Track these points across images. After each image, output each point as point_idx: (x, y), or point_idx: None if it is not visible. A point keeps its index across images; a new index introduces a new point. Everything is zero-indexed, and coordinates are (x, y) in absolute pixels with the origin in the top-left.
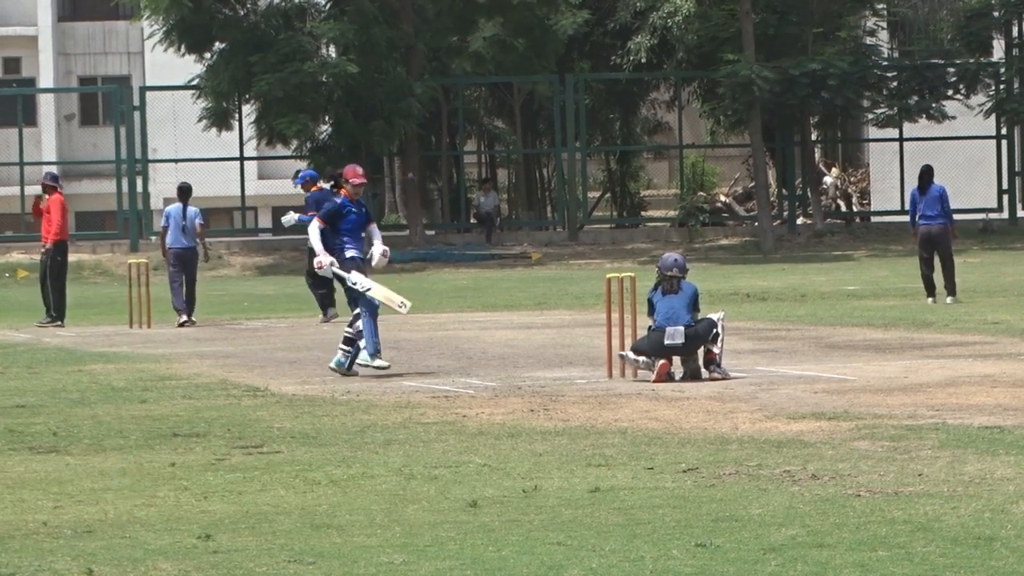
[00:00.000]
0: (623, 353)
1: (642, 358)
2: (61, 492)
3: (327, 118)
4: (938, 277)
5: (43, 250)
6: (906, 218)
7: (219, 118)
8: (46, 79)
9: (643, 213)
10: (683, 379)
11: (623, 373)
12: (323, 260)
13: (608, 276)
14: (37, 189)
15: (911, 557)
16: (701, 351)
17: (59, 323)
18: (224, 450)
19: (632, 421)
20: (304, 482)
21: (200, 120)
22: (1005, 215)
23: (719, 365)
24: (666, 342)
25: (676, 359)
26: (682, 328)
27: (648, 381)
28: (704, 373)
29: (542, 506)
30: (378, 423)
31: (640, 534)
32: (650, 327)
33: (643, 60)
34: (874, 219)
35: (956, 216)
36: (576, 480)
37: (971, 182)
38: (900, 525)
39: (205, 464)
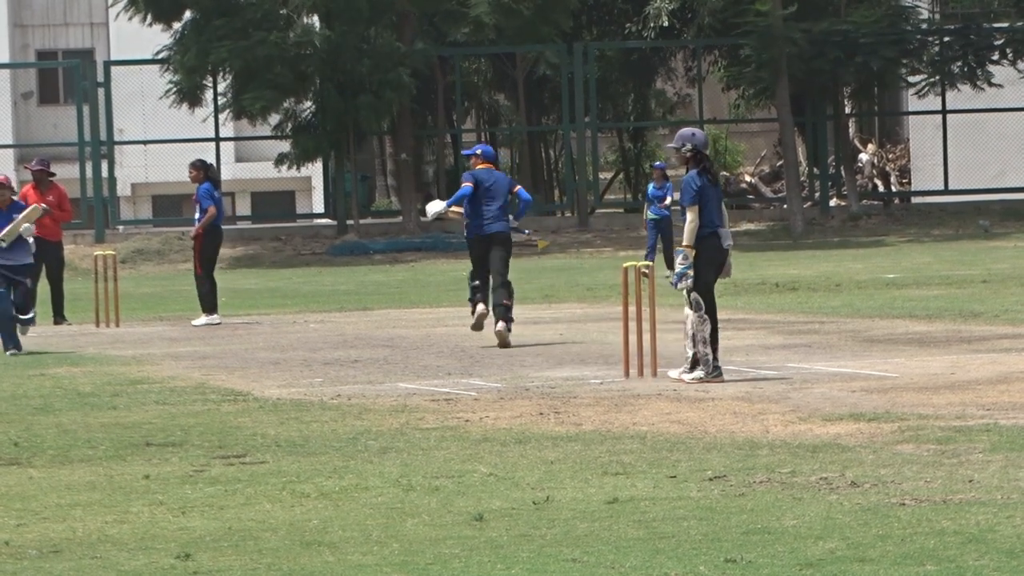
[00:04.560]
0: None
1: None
2: (24, 508)
3: (309, 93)
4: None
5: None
6: (950, 199)
7: (188, 94)
8: (1, 54)
9: None
10: None
11: (640, 372)
12: None
13: (624, 265)
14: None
15: (962, 571)
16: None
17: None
18: (203, 460)
19: (652, 425)
20: (292, 495)
21: (166, 95)
22: None
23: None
24: (725, 244)
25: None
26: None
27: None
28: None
29: (555, 519)
30: (372, 429)
31: (663, 549)
32: (696, 231)
33: (664, 25)
34: (915, 200)
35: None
36: (592, 490)
37: (1022, 158)
38: (950, 536)
39: (182, 476)
